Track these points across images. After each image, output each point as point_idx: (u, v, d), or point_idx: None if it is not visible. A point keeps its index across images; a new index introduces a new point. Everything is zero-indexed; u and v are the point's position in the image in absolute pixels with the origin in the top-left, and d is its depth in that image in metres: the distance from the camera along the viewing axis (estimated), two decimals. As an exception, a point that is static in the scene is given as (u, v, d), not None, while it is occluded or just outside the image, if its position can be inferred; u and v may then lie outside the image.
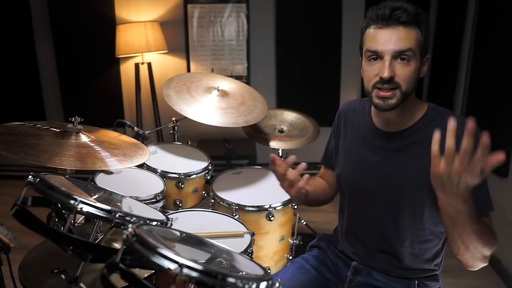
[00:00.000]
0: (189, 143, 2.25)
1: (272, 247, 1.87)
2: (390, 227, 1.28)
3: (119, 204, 1.27)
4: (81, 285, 1.02)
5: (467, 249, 1.07)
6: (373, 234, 1.33)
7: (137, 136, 2.05)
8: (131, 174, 1.83)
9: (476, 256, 1.08)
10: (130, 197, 1.42)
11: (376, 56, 1.16)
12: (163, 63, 3.75)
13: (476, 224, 1.01)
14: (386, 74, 1.12)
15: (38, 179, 1.03)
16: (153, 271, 1.11)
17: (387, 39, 1.13)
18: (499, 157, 0.85)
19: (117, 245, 1.25)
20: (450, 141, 0.88)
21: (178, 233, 1.12)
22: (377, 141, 1.30)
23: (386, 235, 1.29)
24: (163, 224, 1.18)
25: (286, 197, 1.84)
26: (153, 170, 1.90)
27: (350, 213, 1.40)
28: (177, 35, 3.70)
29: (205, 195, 2.07)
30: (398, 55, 1.13)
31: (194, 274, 0.73)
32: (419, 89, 3.57)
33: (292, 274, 1.41)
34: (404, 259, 1.30)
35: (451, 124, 0.88)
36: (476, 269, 1.13)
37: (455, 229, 1.03)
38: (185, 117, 1.98)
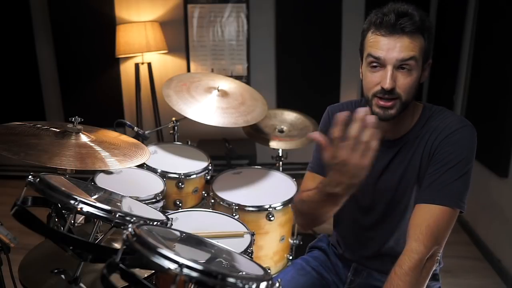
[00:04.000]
0: (189, 143, 2.25)
1: (272, 247, 1.87)
2: (390, 231, 1.28)
3: (119, 204, 1.27)
4: (81, 285, 1.02)
5: None
6: (372, 239, 1.32)
7: (137, 136, 2.05)
8: (131, 174, 1.83)
9: None
10: (130, 197, 1.42)
11: (378, 63, 1.12)
12: (163, 63, 3.75)
13: None
14: (388, 85, 1.09)
15: (38, 179, 1.03)
16: (153, 271, 1.10)
17: (390, 47, 1.09)
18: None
19: (117, 245, 1.24)
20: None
21: (178, 233, 1.12)
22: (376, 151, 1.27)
23: (386, 240, 1.29)
24: (163, 224, 1.18)
25: (286, 197, 1.85)
26: (153, 170, 1.90)
27: (349, 220, 1.38)
28: (177, 35, 3.69)
29: (205, 195, 2.07)
30: (400, 64, 1.09)
31: (194, 274, 0.73)
32: (419, 89, 3.56)
33: (292, 276, 1.40)
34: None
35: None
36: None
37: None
38: (185, 117, 1.98)
